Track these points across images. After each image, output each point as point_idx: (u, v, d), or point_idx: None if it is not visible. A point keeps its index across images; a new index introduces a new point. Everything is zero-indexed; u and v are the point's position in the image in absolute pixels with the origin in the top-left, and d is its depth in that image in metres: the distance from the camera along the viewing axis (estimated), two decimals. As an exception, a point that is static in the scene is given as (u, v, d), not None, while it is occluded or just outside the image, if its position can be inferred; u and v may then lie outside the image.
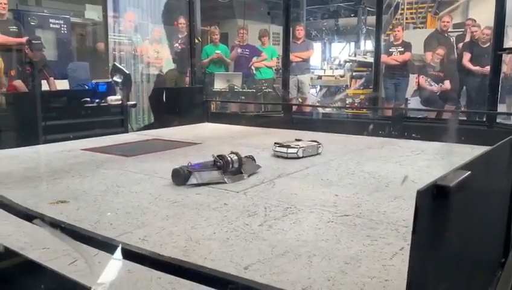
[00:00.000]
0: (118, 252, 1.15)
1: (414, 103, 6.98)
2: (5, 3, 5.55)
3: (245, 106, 7.23)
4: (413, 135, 4.49)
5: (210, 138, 4.71)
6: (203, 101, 6.07)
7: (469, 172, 0.85)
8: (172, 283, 1.44)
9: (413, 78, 7.08)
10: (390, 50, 6.88)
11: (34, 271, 1.47)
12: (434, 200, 0.78)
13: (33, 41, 5.59)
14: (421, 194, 0.73)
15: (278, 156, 3.55)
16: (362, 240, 1.86)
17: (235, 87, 7.11)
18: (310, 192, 2.61)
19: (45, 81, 5.86)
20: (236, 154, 2.90)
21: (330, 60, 12.58)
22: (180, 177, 2.70)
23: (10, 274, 1.49)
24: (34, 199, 2.49)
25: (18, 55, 5.64)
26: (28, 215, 1.33)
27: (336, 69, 10.27)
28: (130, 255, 1.10)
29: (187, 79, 6.69)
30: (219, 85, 7.07)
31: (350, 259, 1.67)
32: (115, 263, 1.25)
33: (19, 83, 5.44)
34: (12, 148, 3.89)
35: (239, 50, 7.61)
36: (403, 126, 4.70)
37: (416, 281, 0.79)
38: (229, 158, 2.85)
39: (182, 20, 7.10)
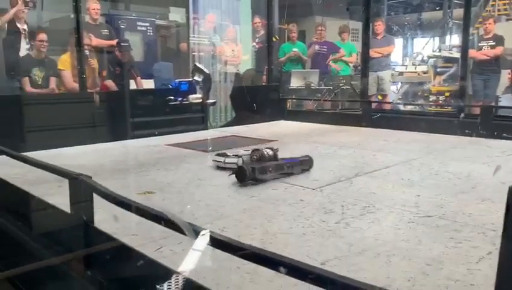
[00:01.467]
0: (202, 240, 1.22)
1: (506, 100, 6.48)
2: (98, 9, 6.00)
3: (322, 103, 7.16)
4: (504, 134, 4.17)
5: (286, 135, 4.74)
6: (280, 98, 6.12)
7: None
8: (251, 273, 1.49)
9: (505, 74, 6.57)
10: (480, 44, 6.45)
11: (125, 254, 1.59)
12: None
13: (122, 44, 5.99)
14: (514, 191, 0.69)
15: (218, 167, 3.11)
16: (445, 242, 1.78)
17: (312, 84, 7.08)
18: (389, 192, 2.54)
19: (133, 80, 6.27)
20: (272, 149, 2.96)
21: (412, 55, 12.04)
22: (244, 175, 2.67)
23: (104, 255, 1.63)
24: (124, 189, 2.67)
25: (109, 56, 6.08)
26: (121, 203, 1.44)
27: (419, 65, 9.82)
28: (215, 242, 1.15)
29: (264, 78, 6.78)
30: (295, 83, 7.08)
31: (432, 260, 1.61)
32: (198, 251, 1.32)
33: (110, 83, 5.87)
34: (103, 143, 4.21)
35: (316, 47, 7.57)
36: (492, 125, 4.39)
37: (505, 285, 0.74)
38: (265, 152, 2.90)
39: (257, 20, 7.22)
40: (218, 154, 3.18)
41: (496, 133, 4.25)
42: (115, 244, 1.58)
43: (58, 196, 1.81)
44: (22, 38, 5.57)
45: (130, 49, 6.20)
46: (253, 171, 2.65)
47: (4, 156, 2.27)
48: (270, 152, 2.92)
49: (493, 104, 6.30)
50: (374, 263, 1.60)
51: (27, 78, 5.31)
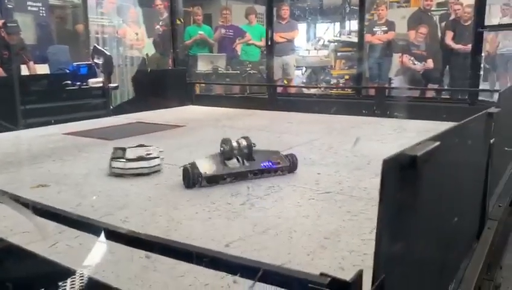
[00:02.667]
0: (98, 233, 1.15)
1: (397, 82, 7.02)
2: (-23, -15, 5.40)
3: (230, 87, 7.18)
4: (396, 113, 4.52)
5: (194, 120, 4.69)
6: (187, 83, 6.01)
7: (438, 143, 0.86)
8: (154, 262, 1.45)
9: (396, 57, 7.10)
10: (374, 29, 6.88)
11: (16, 255, 1.46)
12: (401, 170, 0.79)
13: (9, 24, 5.46)
14: (388, 163, 0.74)
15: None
16: (342, 216, 1.88)
17: (219, 68, 7.06)
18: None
19: (25, 65, 5.76)
20: (246, 139, 2.48)
21: (314, 40, 12.50)
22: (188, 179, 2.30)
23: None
24: (15, 183, 2.46)
25: (-6, 39, 5.52)
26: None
27: (320, 49, 10.24)
28: (108, 234, 1.10)
29: (170, 61, 6.61)
30: (202, 67, 7.01)
31: (330, 234, 1.69)
32: (95, 244, 1.25)
33: (-4, 68, 5.34)
34: (-8, 134, 3.84)
35: (223, 31, 7.54)
36: (385, 105, 4.73)
37: (383, 252, 0.80)
38: (235, 143, 2.41)
39: (159, 2, 7.03)
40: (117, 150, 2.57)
41: (388, 112, 4.59)
42: (2, 245, 1.45)
43: None
44: None
45: (19, 30, 5.68)
46: (198, 178, 2.28)
47: None
48: (244, 143, 2.42)
49: (386, 85, 6.79)
50: (276, 241, 1.65)
51: None
